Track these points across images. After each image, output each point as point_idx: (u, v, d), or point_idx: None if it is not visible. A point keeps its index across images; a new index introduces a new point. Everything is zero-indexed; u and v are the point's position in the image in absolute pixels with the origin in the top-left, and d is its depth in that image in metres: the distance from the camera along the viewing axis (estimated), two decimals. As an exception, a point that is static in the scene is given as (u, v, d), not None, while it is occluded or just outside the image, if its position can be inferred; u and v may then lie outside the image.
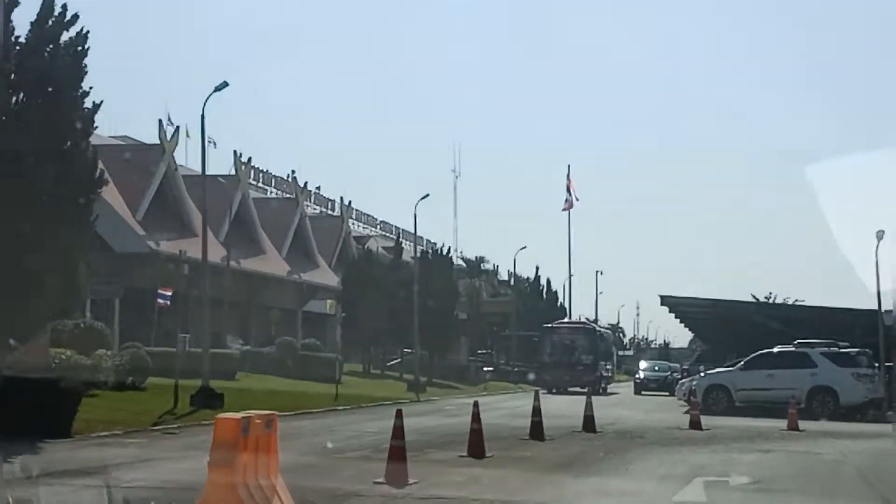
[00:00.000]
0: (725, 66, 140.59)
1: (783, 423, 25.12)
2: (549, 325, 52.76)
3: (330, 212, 79.23)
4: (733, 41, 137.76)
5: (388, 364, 55.31)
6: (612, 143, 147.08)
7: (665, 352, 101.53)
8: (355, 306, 49.21)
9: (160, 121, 54.94)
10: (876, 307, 33.53)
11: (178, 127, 56.17)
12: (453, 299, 51.17)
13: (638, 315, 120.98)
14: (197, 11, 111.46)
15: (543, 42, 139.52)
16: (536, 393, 20.28)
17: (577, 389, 42.65)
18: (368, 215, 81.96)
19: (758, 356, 33.30)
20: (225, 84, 28.12)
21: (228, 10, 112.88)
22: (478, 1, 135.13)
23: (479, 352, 65.78)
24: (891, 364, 32.26)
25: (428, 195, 44.94)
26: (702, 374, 35.14)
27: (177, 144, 56.34)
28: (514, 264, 68.93)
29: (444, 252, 57.72)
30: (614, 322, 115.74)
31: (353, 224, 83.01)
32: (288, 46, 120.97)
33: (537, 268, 67.75)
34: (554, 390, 45.21)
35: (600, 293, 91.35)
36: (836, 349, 32.51)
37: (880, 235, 32.23)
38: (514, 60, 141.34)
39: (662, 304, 42.34)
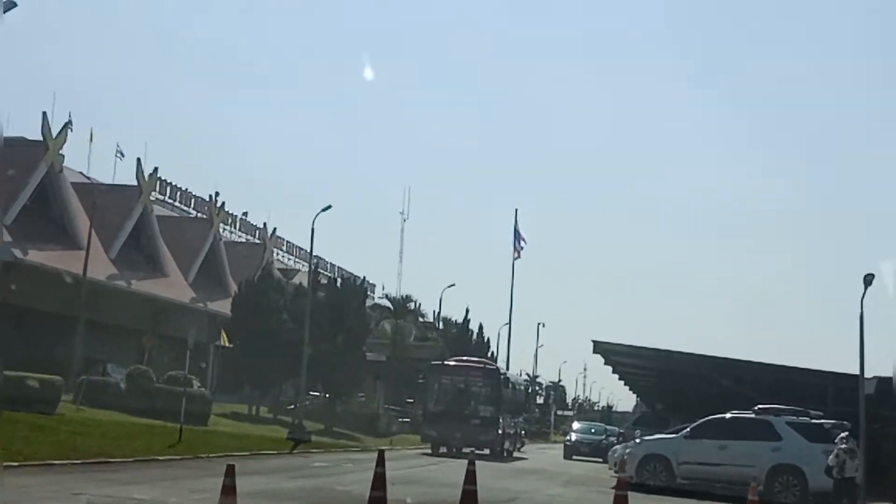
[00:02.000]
0: (675, 128, 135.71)
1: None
2: (438, 363, 40.84)
3: (256, 240, 72.77)
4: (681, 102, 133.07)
5: (288, 408, 48.18)
6: (562, 192, 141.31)
7: (608, 414, 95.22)
8: (250, 338, 42.30)
9: (44, 113, 48.11)
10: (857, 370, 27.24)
11: (67, 122, 49.56)
12: (362, 336, 44.04)
13: (585, 375, 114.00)
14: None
15: (500, 85, 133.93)
16: (381, 455, 13.45)
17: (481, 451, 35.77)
18: (300, 248, 75.09)
19: (707, 422, 26.69)
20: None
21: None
22: (433, 42, 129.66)
23: (408, 400, 58.87)
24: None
25: (329, 207, 38.23)
26: (637, 441, 28.46)
27: (64, 142, 49.56)
28: (440, 304, 61.99)
29: (357, 282, 50.85)
30: (556, 380, 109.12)
31: (282, 257, 76.55)
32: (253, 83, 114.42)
33: (467, 310, 60.79)
34: (443, 450, 36.76)
35: (541, 346, 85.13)
36: (806, 419, 26.04)
37: (868, 280, 25.96)
38: (472, 105, 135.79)
39: (595, 351, 35.52)
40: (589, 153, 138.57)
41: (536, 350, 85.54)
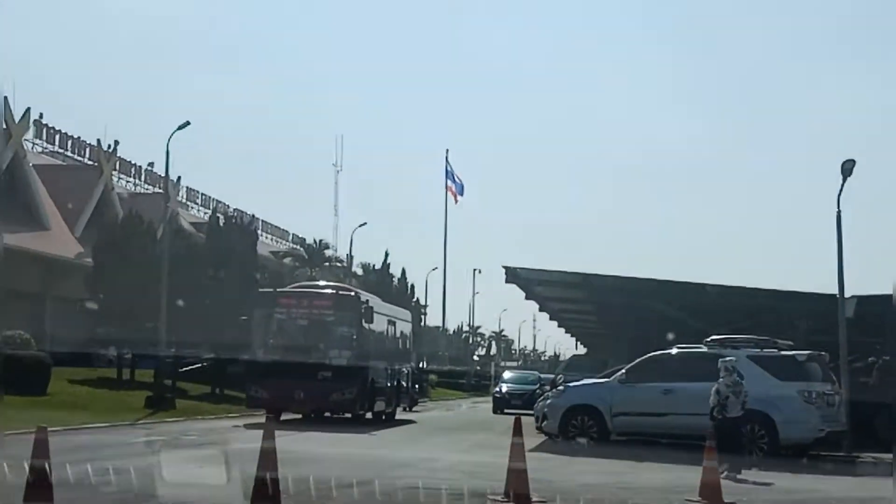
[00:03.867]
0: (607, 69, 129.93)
1: (691, 476, 12.89)
2: (268, 291, 28.78)
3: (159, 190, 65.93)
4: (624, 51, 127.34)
5: (182, 370, 41.76)
6: (498, 137, 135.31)
7: (555, 365, 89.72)
8: (113, 289, 35.86)
9: None
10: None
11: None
12: (250, 285, 37.58)
13: (534, 325, 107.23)
14: None
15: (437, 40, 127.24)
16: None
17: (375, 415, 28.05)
18: (220, 201, 68.17)
19: (647, 362, 20.75)
20: None
21: None
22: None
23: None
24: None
25: (188, 123, 31.60)
26: (560, 389, 22.52)
27: None
28: (351, 244, 55.17)
29: (244, 220, 44.36)
30: (498, 330, 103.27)
31: (197, 210, 69.90)
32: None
33: (386, 253, 54.17)
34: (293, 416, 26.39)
35: (477, 293, 79.42)
36: (773, 351, 20.27)
37: (848, 169, 20.15)
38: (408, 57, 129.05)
39: (509, 280, 29.06)
40: (523, 98, 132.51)
41: (473, 297, 79.78)
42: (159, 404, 28.29)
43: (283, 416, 25.21)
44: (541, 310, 38.01)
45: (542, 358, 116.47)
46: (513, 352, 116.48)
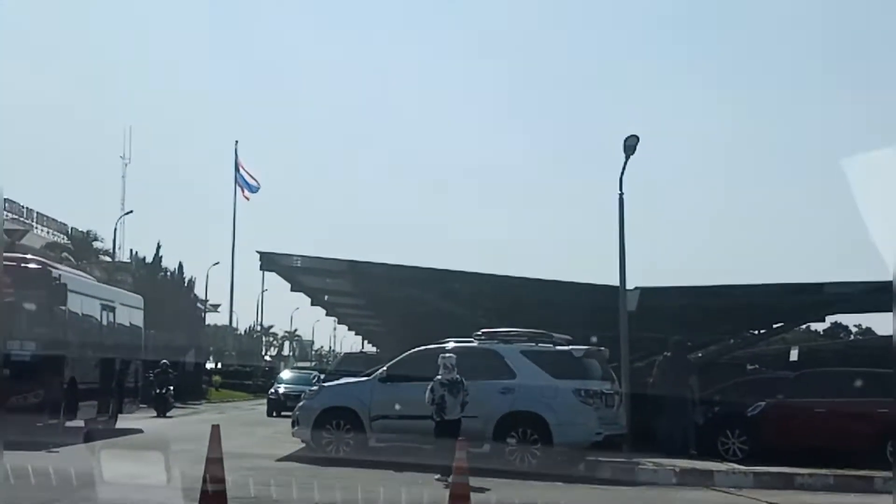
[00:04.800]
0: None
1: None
2: None
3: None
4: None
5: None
6: (295, 134, 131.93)
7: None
8: None
9: None
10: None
11: None
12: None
13: (334, 329, 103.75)
14: None
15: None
16: None
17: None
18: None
19: (412, 357, 18.40)
20: None
21: None
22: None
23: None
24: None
25: None
26: (314, 389, 19.97)
27: None
28: (115, 234, 50.70)
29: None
30: (291, 329, 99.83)
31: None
32: None
33: (158, 245, 49.77)
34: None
35: (266, 290, 75.98)
36: (548, 346, 18.28)
37: (631, 144, 18.34)
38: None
39: (264, 267, 25.97)
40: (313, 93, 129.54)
41: (262, 295, 76.38)
42: None
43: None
44: (313, 303, 35.08)
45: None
46: (308, 355, 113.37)
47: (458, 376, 15.55)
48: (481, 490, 12.60)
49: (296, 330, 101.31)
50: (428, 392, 15.56)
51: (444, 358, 15.77)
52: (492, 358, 17.74)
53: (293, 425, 19.75)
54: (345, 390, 18.58)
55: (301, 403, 19.00)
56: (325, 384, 19.87)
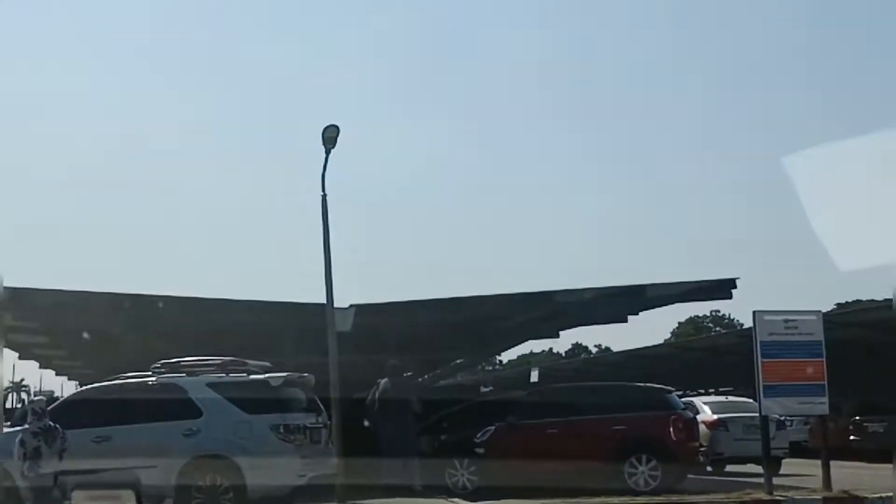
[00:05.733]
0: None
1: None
2: None
3: None
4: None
5: None
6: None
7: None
8: None
9: None
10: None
11: None
12: None
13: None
14: None
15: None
16: None
17: None
18: None
19: (74, 401, 15.04)
20: None
21: None
22: None
23: None
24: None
25: None
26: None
27: None
28: None
29: None
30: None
31: None
32: None
33: None
34: None
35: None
36: (241, 376, 15.19)
37: (331, 136, 15.82)
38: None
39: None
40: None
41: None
42: None
43: None
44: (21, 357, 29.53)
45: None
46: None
47: (51, 422, 12.97)
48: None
49: (22, 380, 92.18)
50: (17, 446, 12.80)
51: (32, 403, 13.57)
52: (173, 393, 14.74)
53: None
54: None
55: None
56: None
